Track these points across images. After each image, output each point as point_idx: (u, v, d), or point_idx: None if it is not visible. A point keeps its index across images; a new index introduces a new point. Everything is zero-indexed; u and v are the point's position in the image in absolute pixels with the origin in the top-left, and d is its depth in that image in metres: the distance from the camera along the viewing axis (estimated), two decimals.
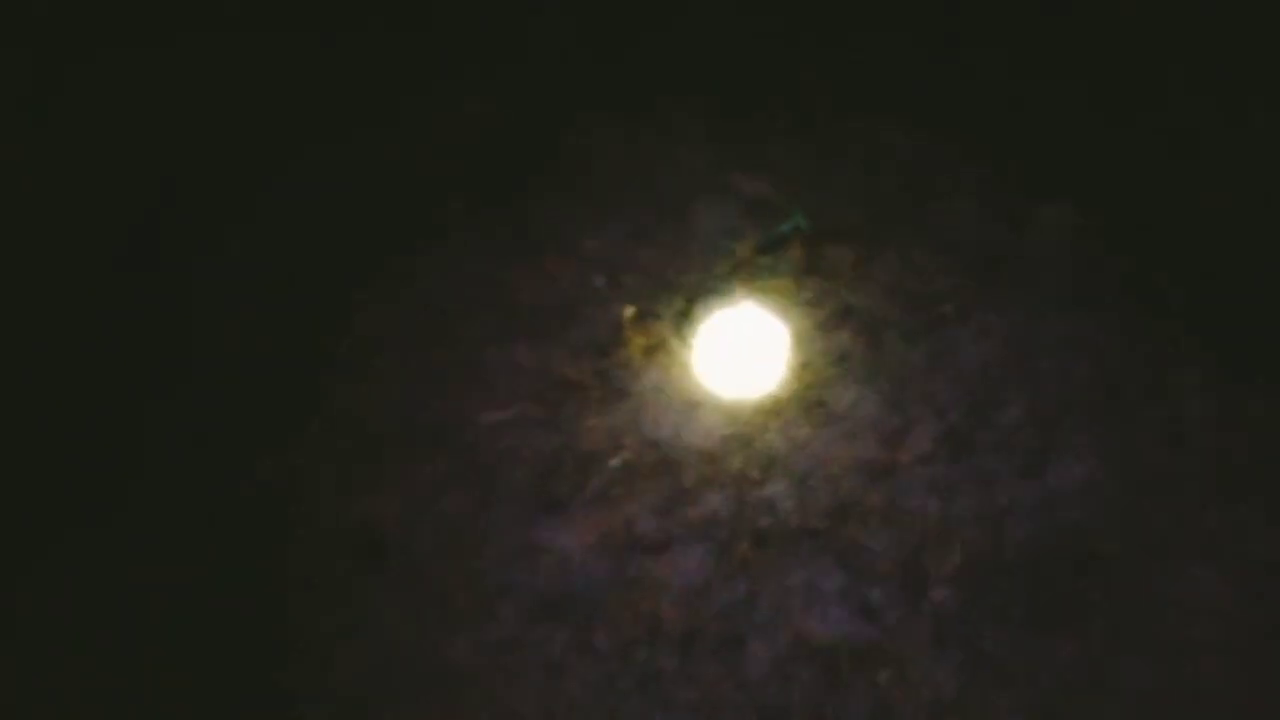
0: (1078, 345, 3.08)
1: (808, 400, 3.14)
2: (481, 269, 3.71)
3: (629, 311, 3.48)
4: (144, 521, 3.17)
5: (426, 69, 4.42)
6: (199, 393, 3.40)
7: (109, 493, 3.24)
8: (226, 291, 3.69)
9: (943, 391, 3.08)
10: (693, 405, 3.25)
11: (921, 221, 3.46)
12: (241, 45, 4.17)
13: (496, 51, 4.37)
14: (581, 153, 3.96)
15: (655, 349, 3.40)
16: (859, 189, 3.61)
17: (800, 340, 3.28)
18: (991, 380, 3.05)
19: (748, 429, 3.15)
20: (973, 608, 2.68)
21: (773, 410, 3.15)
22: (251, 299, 3.66)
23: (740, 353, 3.31)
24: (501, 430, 3.28)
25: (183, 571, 3.10)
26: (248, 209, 3.89)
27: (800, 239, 3.55)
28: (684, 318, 3.45)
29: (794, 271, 3.48)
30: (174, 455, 3.29)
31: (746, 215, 3.66)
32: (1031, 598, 2.69)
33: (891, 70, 3.94)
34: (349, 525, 3.12)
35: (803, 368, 3.23)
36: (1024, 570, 2.73)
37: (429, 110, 4.31)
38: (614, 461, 3.10)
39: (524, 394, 3.38)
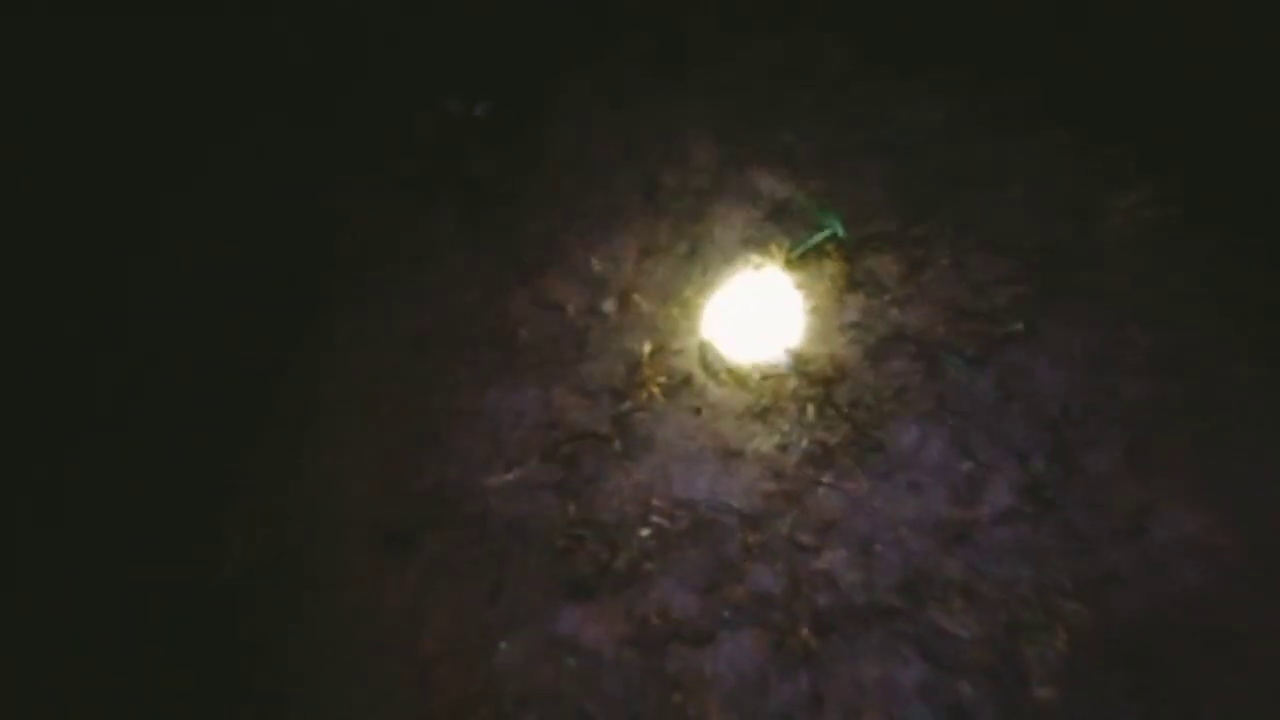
0: (1171, 363, 2.51)
1: (862, 444, 2.57)
2: (474, 296, 3.10)
3: (646, 347, 2.88)
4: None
5: (398, 62, 3.76)
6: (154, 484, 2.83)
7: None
8: (165, 349, 3.09)
9: (1018, 428, 2.51)
10: (728, 455, 2.68)
11: (972, 218, 2.86)
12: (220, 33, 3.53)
13: (475, 41, 3.72)
14: (579, 155, 3.33)
15: (679, 387, 2.81)
16: (898, 182, 3.00)
17: (847, 372, 2.70)
18: (1075, 413, 2.48)
19: (795, 483, 2.59)
20: (1081, 705, 2.14)
21: (822, 458, 2.58)
22: (187, 355, 3.07)
23: (778, 389, 2.73)
24: (509, 496, 2.71)
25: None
26: (205, 223, 3.28)
27: (837, 249, 2.94)
28: (710, 348, 2.86)
29: (834, 289, 2.88)
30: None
31: (773, 221, 3.04)
32: (1149, 688, 2.15)
33: (927, 35, 3.31)
34: (340, 616, 2.56)
35: (852, 405, 2.65)
36: (1139, 653, 2.18)
37: (403, 107, 3.67)
38: (643, 531, 2.53)
39: (533, 450, 2.80)
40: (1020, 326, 2.64)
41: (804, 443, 2.62)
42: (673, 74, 3.31)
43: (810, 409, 2.65)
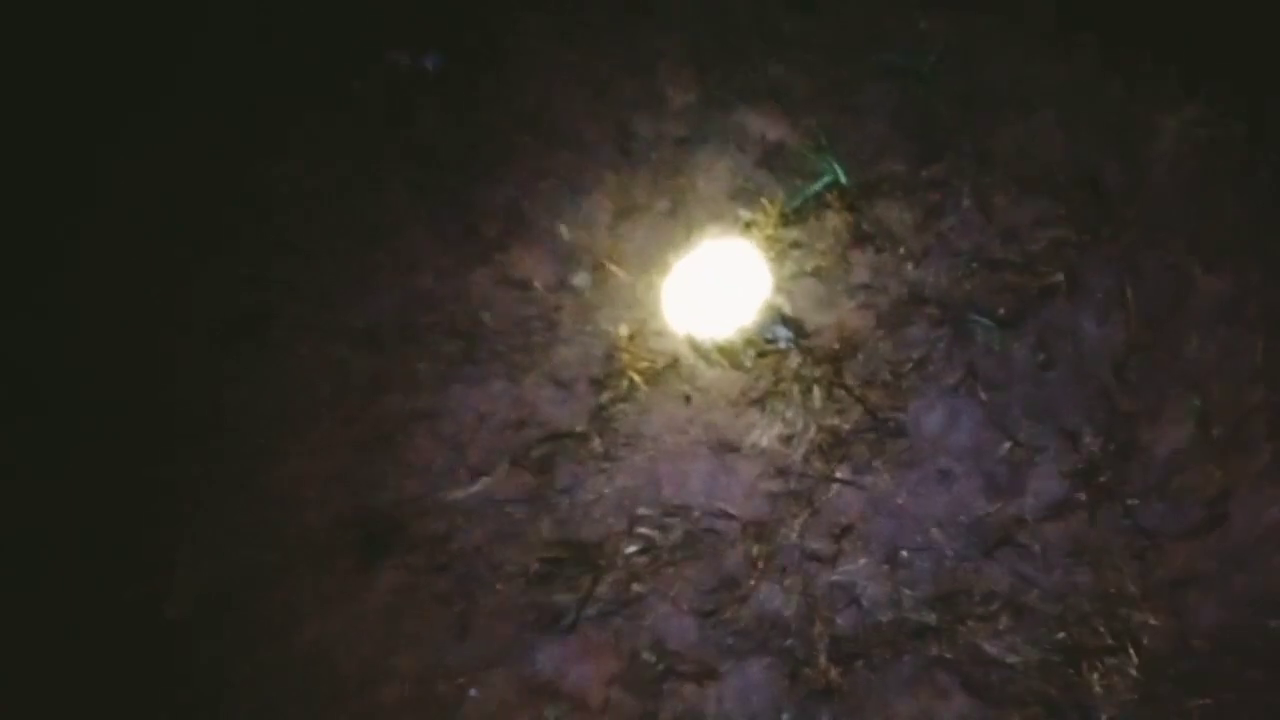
0: (1242, 312, 2.00)
1: (880, 430, 2.09)
2: (430, 278, 2.60)
3: (624, 330, 2.38)
4: None
5: (337, 13, 3.21)
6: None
7: None
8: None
9: (1065, 401, 2.01)
10: (725, 449, 2.20)
11: (995, 152, 2.32)
12: None
13: None
14: (541, 107, 2.79)
15: (665, 372, 2.32)
16: (906, 115, 2.47)
17: (858, 343, 2.19)
18: (1131, 379, 1.97)
19: (803, 480, 2.11)
20: None
21: (834, 449, 2.09)
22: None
23: (779, 368, 2.22)
24: (476, 512, 2.23)
25: None
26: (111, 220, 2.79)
27: (840, 198, 2.41)
28: (698, 323, 2.35)
29: (838, 245, 2.35)
30: None
31: (764, 169, 2.51)
32: (1238, 716, 1.67)
33: None
34: (292, 664, 2.13)
35: (866, 384, 2.14)
36: (1224, 673, 1.69)
37: (345, 64, 3.14)
38: (630, 548, 2.06)
39: (502, 454, 2.32)
40: (1060, 277, 2.14)
41: (812, 432, 2.12)
42: (641, 6, 2.74)
43: (817, 391, 2.15)
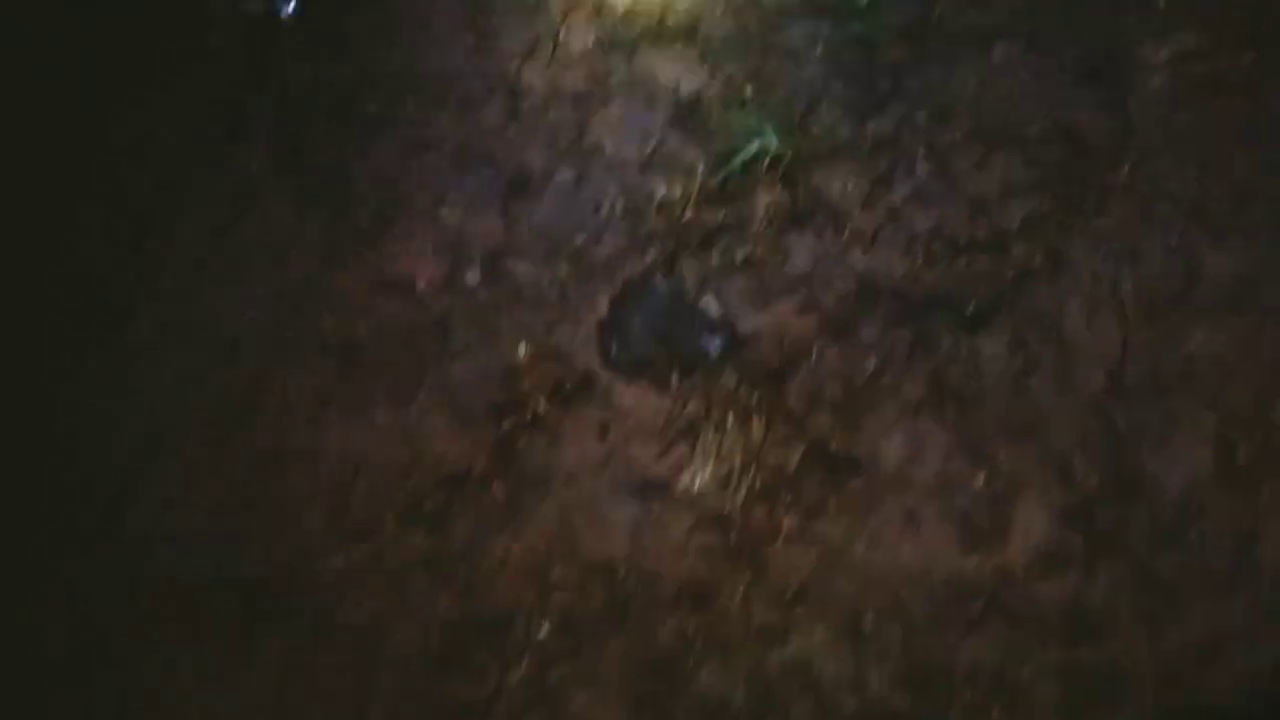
0: (1258, 293, 1.51)
1: (831, 464, 1.56)
2: (298, 276, 1.99)
3: (523, 349, 1.80)
4: None
5: None
6: None
7: None
8: None
9: (1052, 416, 1.51)
10: (650, 492, 1.67)
11: (952, 101, 1.77)
12: None
13: None
14: (418, 60, 2.14)
15: (577, 393, 1.77)
16: (843, 59, 1.89)
17: (800, 352, 1.65)
18: (1130, 384, 1.47)
19: (744, 532, 1.60)
20: None
21: (779, 491, 1.57)
22: None
23: (709, 389, 1.67)
24: (361, 583, 1.69)
25: None
26: None
27: (771, 166, 1.82)
28: (612, 330, 1.79)
29: (771, 227, 1.78)
30: None
31: (679, 129, 1.91)
32: None
33: None
34: None
35: (812, 405, 1.61)
36: None
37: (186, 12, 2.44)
38: (545, 624, 1.53)
39: (388, 507, 1.77)
40: (1039, 259, 1.58)
41: (751, 470, 1.58)
42: None
43: (755, 419, 1.60)
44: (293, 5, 2.46)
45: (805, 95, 1.93)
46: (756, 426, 1.69)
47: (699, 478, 1.69)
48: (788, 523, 1.64)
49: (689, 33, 2.06)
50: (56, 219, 2.27)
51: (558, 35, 2.15)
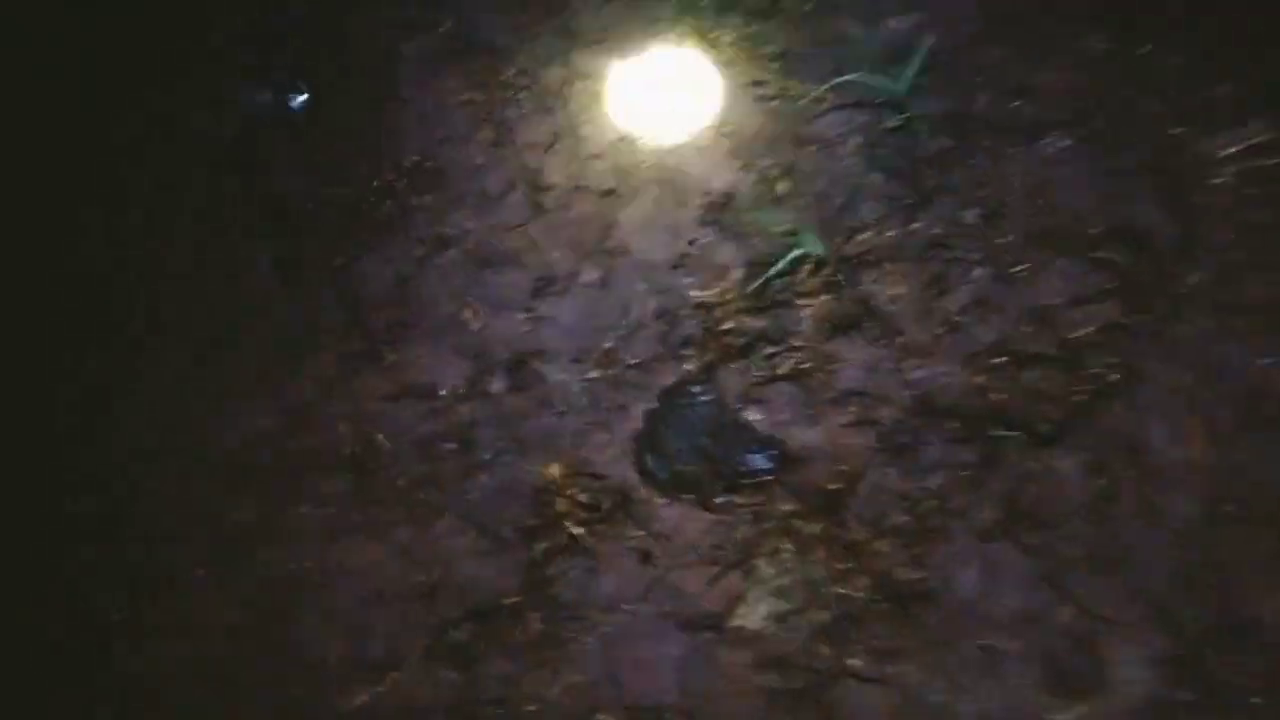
0: None
1: (900, 598, 1.34)
2: (308, 389, 1.78)
3: (552, 469, 1.58)
4: None
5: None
6: None
7: None
8: None
9: (1140, 548, 1.31)
10: (700, 627, 1.44)
11: (1001, 197, 1.60)
12: None
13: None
14: (430, 150, 1.96)
15: (614, 513, 1.55)
16: (880, 152, 1.72)
17: (859, 475, 1.44)
18: (1229, 512, 1.27)
19: (807, 674, 1.37)
20: None
21: (843, 630, 1.34)
22: None
23: (762, 510, 1.46)
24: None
25: None
26: None
27: (814, 270, 1.64)
28: (652, 444, 1.58)
29: (819, 337, 1.58)
30: None
31: (712, 228, 1.72)
32: None
33: None
34: None
35: (873, 531, 1.39)
36: None
37: (191, 102, 2.26)
38: None
39: (411, 639, 1.53)
40: (1117, 376, 1.36)
41: (812, 608, 1.34)
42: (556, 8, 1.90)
43: (815, 547, 1.37)
44: (305, 97, 2.26)
45: (843, 190, 1.74)
46: (816, 555, 1.47)
47: (755, 612, 1.46)
48: (856, 663, 1.41)
49: (719, 124, 1.86)
50: (37, 325, 2.05)
51: (580, 126, 1.96)
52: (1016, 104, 1.77)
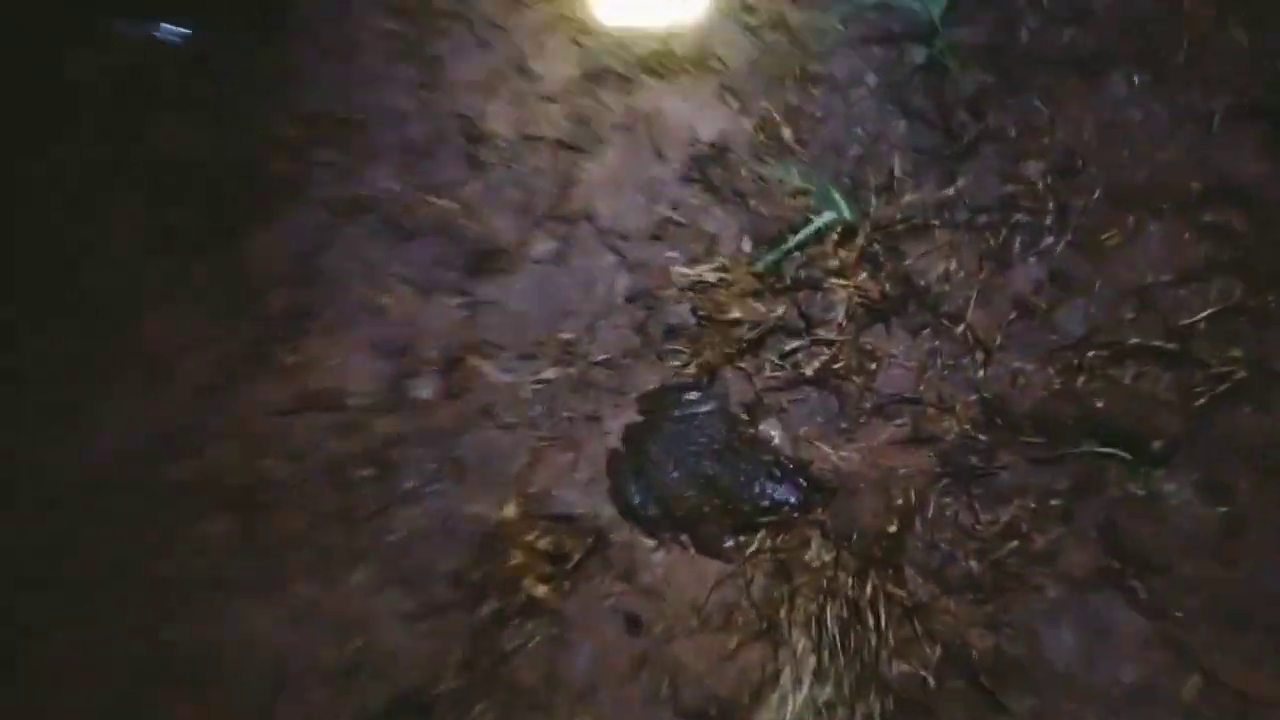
0: None
1: (989, 664, 0.85)
2: (188, 394, 1.23)
3: (509, 509, 1.05)
4: None
5: None
6: None
7: None
8: None
9: None
10: (712, 714, 0.91)
11: (1071, 143, 1.14)
12: None
13: None
14: (342, 93, 1.40)
15: (588, 565, 1.03)
16: (911, 94, 1.27)
17: (913, 504, 0.95)
18: None
19: None
20: None
21: (924, 712, 0.84)
22: None
23: (789, 559, 0.96)
24: None
25: None
26: None
27: (840, 239, 1.13)
28: (632, 470, 1.05)
29: (851, 327, 1.09)
30: None
31: (696, 186, 1.21)
32: None
33: None
34: None
35: (936, 582, 0.90)
36: None
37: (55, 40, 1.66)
38: None
39: None
40: (1243, 373, 0.91)
41: (868, 689, 0.85)
42: None
43: (862, 608, 0.88)
44: (177, 31, 1.69)
45: (861, 138, 1.26)
46: (865, 619, 0.99)
47: (789, 702, 0.97)
48: None
49: (702, 60, 1.36)
50: None
51: (533, 60, 1.43)
52: (1070, 33, 1.30)
